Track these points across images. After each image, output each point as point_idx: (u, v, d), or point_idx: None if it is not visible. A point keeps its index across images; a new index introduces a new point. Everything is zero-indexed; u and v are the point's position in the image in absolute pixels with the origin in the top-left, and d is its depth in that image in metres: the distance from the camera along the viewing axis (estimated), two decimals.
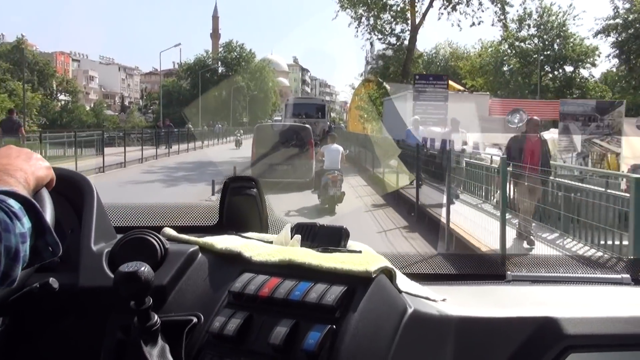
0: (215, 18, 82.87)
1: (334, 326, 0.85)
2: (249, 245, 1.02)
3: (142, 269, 0.84)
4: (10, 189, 0.79)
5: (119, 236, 1.03)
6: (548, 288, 1.16)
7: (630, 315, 0.99)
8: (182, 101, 63.82)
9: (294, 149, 13.97)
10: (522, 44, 35.57)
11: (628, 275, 1.18)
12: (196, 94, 65.25)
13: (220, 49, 64.30)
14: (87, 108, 60.08)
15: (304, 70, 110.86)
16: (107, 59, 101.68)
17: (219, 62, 68.82)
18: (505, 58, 35.25)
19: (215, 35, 76.60)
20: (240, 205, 1.24)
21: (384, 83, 26.20)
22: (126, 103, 78.98)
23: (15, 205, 0.75)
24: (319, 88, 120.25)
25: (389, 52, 28.82)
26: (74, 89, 58.51)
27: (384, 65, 27.57)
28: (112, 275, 0.89)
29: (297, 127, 15.89)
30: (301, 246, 1.06)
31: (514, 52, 35.69)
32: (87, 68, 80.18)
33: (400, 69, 26.41)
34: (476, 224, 7.38)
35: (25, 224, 0.75)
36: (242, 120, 63.27)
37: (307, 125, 16.64)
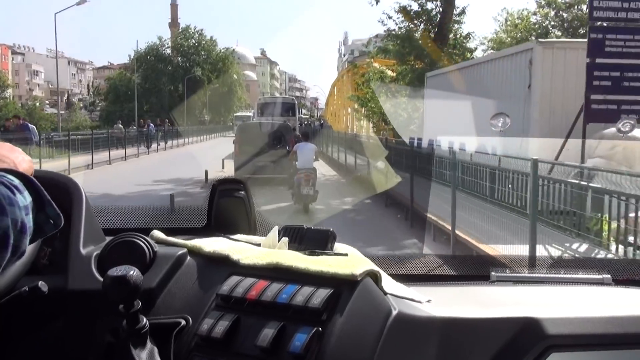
0: (173, 6, 78.22)
1: (320, 328, 0.90)
2: (237, 248, 1.07)
3: (131, 272, 0.87)
4: (6, 167, 0.84)
5: (107, 239, 1.06)
6: (531, 288, 1.20)
7: (610, 315, 1.03)
8: (132, 97, 57.21)
9: (276, 146, 14.73)
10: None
11: (609, 276, 1.22)
12: (148, 88, 60.51)
13: (176, 36, 54.59)
14: (20, 105, 55.23)
15: (272, 64, 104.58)
16: (55, 52, 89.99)
17: (174, 51, 63.06)
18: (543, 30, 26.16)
19: (174, 24, 71.71)
20: (228, 207, 1.27)
21: (426, 51, 17.47)
22: (75, 100, 73.36)
23: (15, 180, 0.80)
24: (289, 83, 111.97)
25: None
26: (2, 83, 48.22)
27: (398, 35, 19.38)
28: (101, 279, 0.93)
29: (279, 125, 17.06)
30: (288, 249, 1.10)
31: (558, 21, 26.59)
32: (32, 62, 75.22)
33: (432, 31, 17.97)
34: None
35: (27, 198, 0.80)
36: (203, 118, 54.23)
37: (289, 123, 18.77)
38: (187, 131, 39.55)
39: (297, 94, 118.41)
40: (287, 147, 14.10)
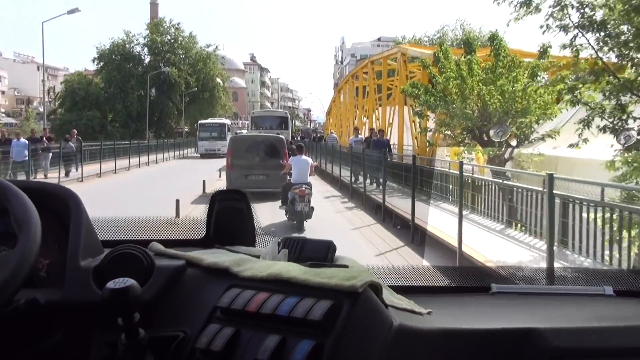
0: (154, 5, 74.11)
1: (321, 341, 0.93)
2: (237, 260, 1.11)
3: (130, 285, 0.91)
4: None
5: (106, 251, 1.11)
6: (532, 300, 1.25)
7: (612, 326, 1.08)
8: (93, 102, 51.67)
9: (269, 159, 15.18)
10: None
11: (610, 287, 1.26)
12: (113, 92, 53.06)
13: (147, 31, 45.54)
14: None
15: (263, 70, 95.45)
16: (24, 56, 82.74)
17: (145, 48, 56.88)
18: None
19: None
20: (227, 219, 1.31)
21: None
22: (37, 108, 68.37)
23: None
24: (281, 93, 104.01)
25: None
26: None
27: None
28: (99, 291, 0.97)
29: (272, 138, 17.49)
30: (288, 260, 1.15)
31: None
32: None
33: None
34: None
35: None
36: (180, 128, 44.86)
37: (282, 136, 18.72)
38: (137, 148, 33.85)
39: (290, 104, 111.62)
40: (281, 161, 14.32)
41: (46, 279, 1.07)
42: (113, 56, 53.11)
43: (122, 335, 0.93)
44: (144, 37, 54.58)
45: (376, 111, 30.37)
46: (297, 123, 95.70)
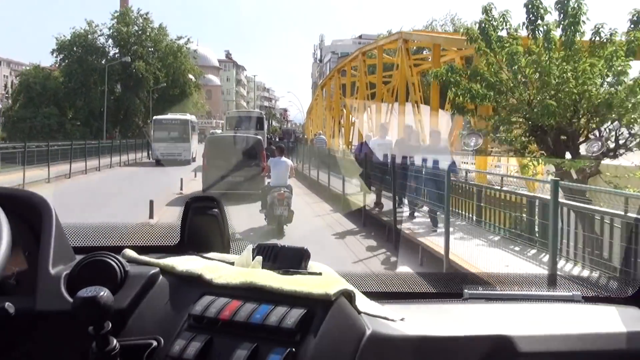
0: None
1: (294, 349, 0.95)
2: (210, 267, 1.13)
3: (102, 293, 0.92)
4: None
5: (78, 257, 1.12)
6: (503, 306, 1.30)
7: (579, 332, 1.13)
8: (51, 98, 47.51)
9: (247, 160, 14.92)
10: None
11: (579, 293, 1.32)
12: (74, 88, 48.68)
13: (113, 21, 41.55)
14: None
15: (239, 68, 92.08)
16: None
17: (109, 39, 52.47)
18: None
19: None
20: (202, 225, 1.33)
21: None
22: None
23: None
24: (257, 92, 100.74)
25: None
26: None
27: None
28: (70, 300, 0.98)
29: (250, 138, 17.49)
30: (262, 268, 1.18)
31: None
32: None
33: None
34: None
35: None
36: (147, 127, 40.63)
37: (259, 137, 18.59)
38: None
39: (266, 103, 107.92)
40: (260, 162, 14.04)
41: (16, 287, 1.06)
42: (74, 48, 49.77)
43: (93, 344, 0.94)
44: (109, 28, 51.58)
45: (368, 109, 26.61)
46: (274, 123, 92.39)
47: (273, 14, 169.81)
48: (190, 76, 53.74)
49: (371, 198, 12.91)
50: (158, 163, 32.23)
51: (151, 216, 11.16)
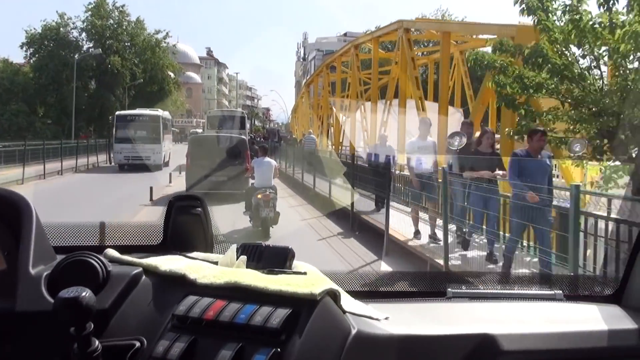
0: None
1: (279, 349, 0.95)
2: (194, 267, 1.13)
3: (83, 294, 0.92)
4: None
5: (59, 257, 1.12)
6: (486, 305, 1.32)
7: (561, 330, 1.16)
8: (20, 95, 44.83)
9: (231, 160, 14.79)
10: None
11: (561, 291, 1.34)
12: (45, 84, 46.07)
13: (87, 13, 39.16)
14: None
15: (220, 66, 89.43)
16: None
17: (83, 33, 49.77)
18: None
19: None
20: (185, 224, 1.32)
21: None
22: None
23: None
24: (239, 91, 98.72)
25: None
26: None
27: None
28: (51, 300, 0.98)
29: (234, 138, 17.48)
30: (247, 267, 1.18)
31: None
32: None
33: None
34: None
35: None
36: None
37: (243, 136, 19.18)
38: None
39: (249, 102, 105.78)
40: (244, 162, 14.09)
41: None
42: (45, 42, 47.95)
43: (75, 346, 0.94)
44: (83, 21, 50.03)
45: (362, 107, 24.51)
46: (257, 123, 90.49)
47: (255, 11, 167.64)
48: (170, 73, 52.51)
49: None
50: (122, 168, 27.77)
51: None
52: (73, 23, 49.10)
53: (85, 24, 48.80)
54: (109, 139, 30.93)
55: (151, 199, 14.08)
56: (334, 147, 29.86)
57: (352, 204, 12.40)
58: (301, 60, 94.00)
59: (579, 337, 1.14)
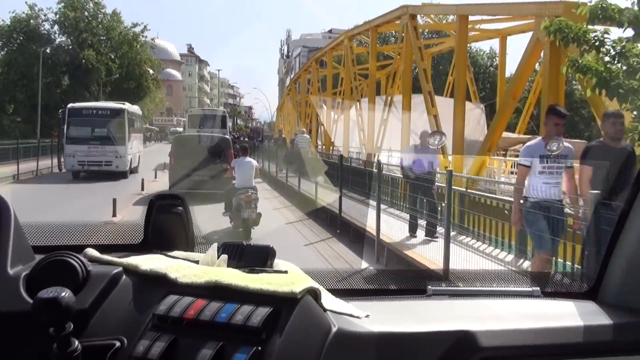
0: None
1: (260, 348, 0.96)
2: (175, 266, 1.14)
3: (63, 294, 0.92)
4: None
5: (37, 257, 1.13)
6: (466, 302, 1.34)
7: (538, 326, 1.19)
8: None
9: (214, 160, 14.65)
10: None
11: (538, 288, 1.37)
12: (14, 80, 43.27)
13: (59, 5, 36.25)
14: None
15: (202, 63, 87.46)
16: None
17: (55, 25, 46.73)
18: None
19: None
20: (166, 223, 1.32)
21: None
22: None
23: None
24: (221, 89, 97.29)
25: None
26: None
27: None
28: (30, 301, 0.98)
29: (217, 138, 17.03)
30: (228, 266, 1.19)
31: None
32: None
33: None
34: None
35: None
36: None
37: (227, 136, 18.74)
38: None
39: (231, 101, 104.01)
40: (227, 162, 13.80)
41: None
42: (14, 34, 45.95)
43: (54, 346, 0.94)
44: (55, 13, 48.46)
45: (357, 103, 22.44)
46: (239, 121, 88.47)
47: (238, 7, 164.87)
48: (148, 69, 51.11)
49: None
50: (76, 177, 22.03)
51: None
52: (44, 15, 47.27)
53: (57, 15, 46.90)
54: (59, 139, 23.89)
55: (114, 215, 11.54)
56: (324, 147, 27.93)
57: (340, 207, 12.08)
58: (285, 57, 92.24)
59: (555, 333, 1.18)
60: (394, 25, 21.02)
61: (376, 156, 17.25)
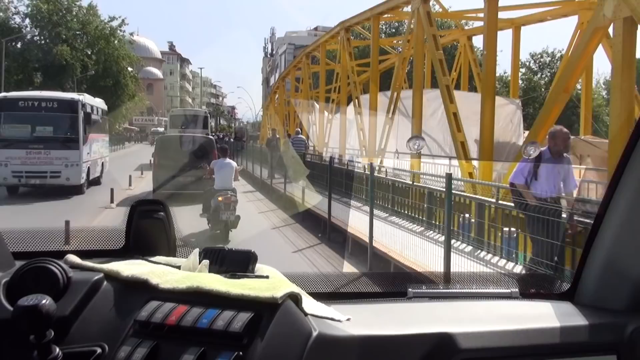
0: None
1: (241, 353, 0.97)
2: (156, 272, 1.13)
3: (43, 301, 0.92)
4: None
5: (17, 263, 1.12)
6: (445, 304, 1.35)
7: (516, 328, 1.21)
8: None
9: (198, 161, 13.86)
10: None
11: (517, 290, 1.39)
12: None
13: None
14: None
15: (184, 61, 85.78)
16: None
17: (27, 19, 44.25)
18: None
19: None
20: (147, 228, 1.31)
21: None
22: None
23: None
24: (204, 88, 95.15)
25: None
26: None
27: None
28: (10, 308, 0.98)
29: (201, 138, 16.65)
30: (209, 271, 1.19)
31: None
32: None
33: None
34: None
35: None
36: None
37: (210, 137, 18.57)
38: None
39: (214, 100, 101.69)
40: (209, 159, 13.44)
41: None
42: None
43: (35, 353, 0.94)
44: (27, 6, 46.88)
45: (356, 100, 20.30)
46: (222, 121, 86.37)
47: (220, 4, 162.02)
48: (127, 66, 48.71)
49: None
50: (11, 192, 16.35)
51: None
52: (15, 7, 45.49)
53: (29, 8, 44.84)
54: None
55: (66, 242, 8.43)
56: (317, 148, 25.91)
57: (329, 211, 11.33)
58: (268, 56, 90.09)
59: (533, 333, 1.19)
60: (398, 13, 19.04)
61: (379, 160, 15.36)
